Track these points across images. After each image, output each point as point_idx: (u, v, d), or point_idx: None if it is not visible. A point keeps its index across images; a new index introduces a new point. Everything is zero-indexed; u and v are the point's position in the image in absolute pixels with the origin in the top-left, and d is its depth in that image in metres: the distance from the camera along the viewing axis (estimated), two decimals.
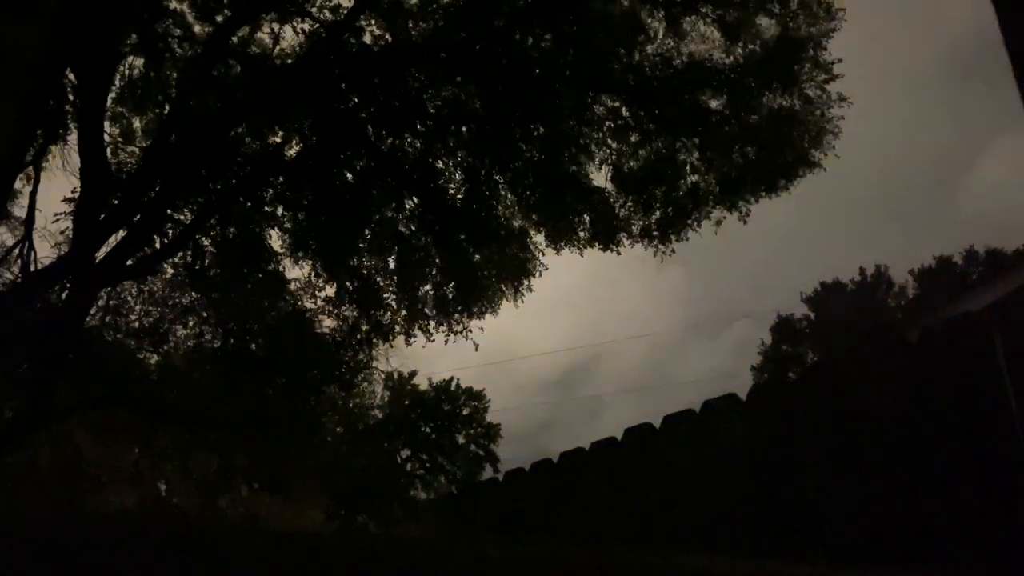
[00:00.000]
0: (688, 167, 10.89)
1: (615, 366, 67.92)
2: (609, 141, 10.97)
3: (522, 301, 11.88)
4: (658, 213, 11.13)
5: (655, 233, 11.18)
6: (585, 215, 11.26)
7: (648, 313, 79.58)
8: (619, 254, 11.41)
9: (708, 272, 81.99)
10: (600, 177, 11.26)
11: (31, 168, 10.38)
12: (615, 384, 69.75)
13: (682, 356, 67.96)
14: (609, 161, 11.07)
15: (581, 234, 11.31)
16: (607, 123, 10.85)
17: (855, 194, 74.75)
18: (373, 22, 10.73)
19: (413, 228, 11.45)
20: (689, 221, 11.06)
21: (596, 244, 11.32)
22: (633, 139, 10.94)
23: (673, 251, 11.32)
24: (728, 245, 76.08)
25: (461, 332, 11.63)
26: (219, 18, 10.45)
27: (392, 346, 11.81)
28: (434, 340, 11.67)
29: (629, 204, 11.20)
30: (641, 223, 11.25)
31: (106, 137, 10.37)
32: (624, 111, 10.77)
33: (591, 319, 78.75)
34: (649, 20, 10.40)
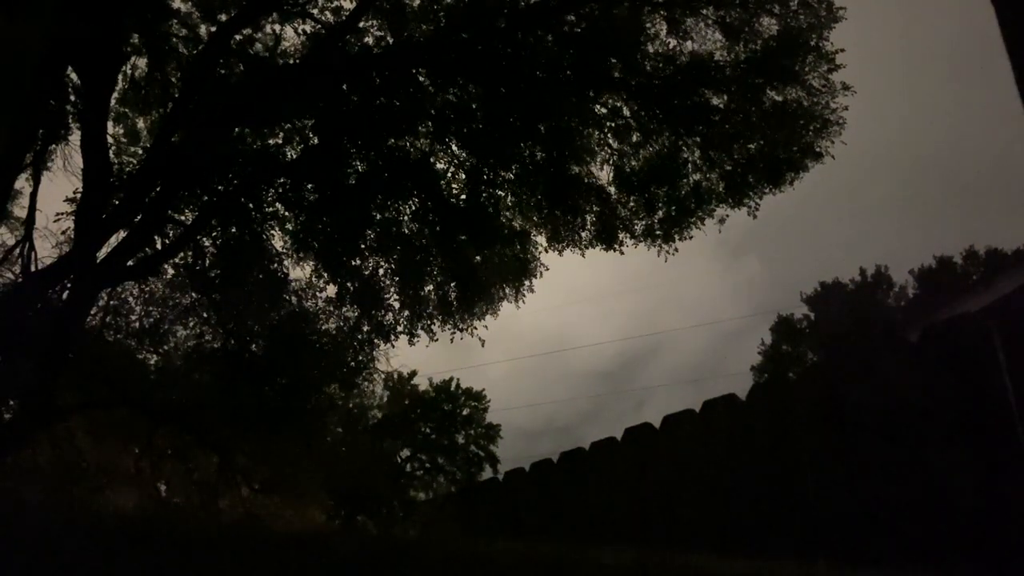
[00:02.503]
0: (691, 165, 10.90)
1: (672, 357, 67.44)
2: (611, 140, 10.99)
3: (523, 301, 11.92)
4: (661, 212, 11.13)
5: (658, 232, 11.19)
6: (587, 215, 11.28)
7: (716, 302, 78.64)
8: (622, 254, 11.44)
9: (782, 261, 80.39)
10: (602, 177, 11.30)
11: (32, 168, 10.41)
12: (671, 374, 69.32)
13: (744, 345, 67.06)
14: (611, 161, 11.09)
15: (583, 234, 11.34)
16: (608, 123, 10.87)
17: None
18: (375, 23, 10.77)
19: (415, 228, 11.47)
20: (692, 219, 11.06)
21: (598, 244, 11.34)
22: (635, 138, 10.96)
23: (676, 250, 11.34)
24: (804, 232, 74.72)
25: (465, 331, 11.67)
26: (223, 17, 10.47)
27: (393, 345, 11.84)
28: (437, 340, 11.70)
29: (631, 204, 11.22)
30: (644, 222, 11.25)
31: (110, 138, 10.41)
32: (625, 110, 10.80)
33: (654, 308, 77.81)
34: (650, 20, 10.42)
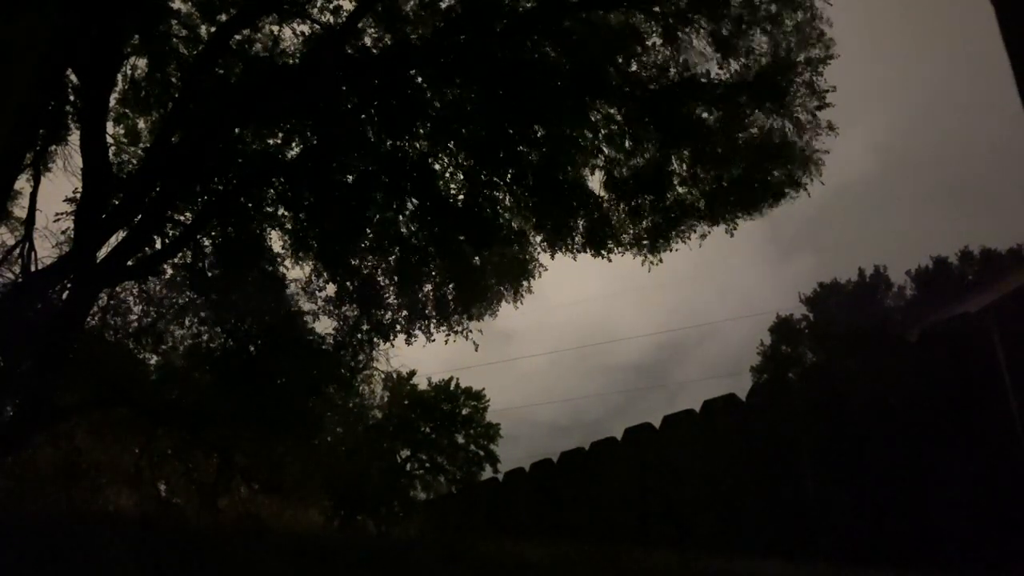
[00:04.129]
0: (677, 178, 10.97)
1: (714, 349, 66.85)
2: (603, 147, 11.01)
3: (521, 302, 11.93)
4: (647, 222, 11.21)
5: (645, 242, 11.25)
6: (580, 220, 11.30)
7: (767, 295, 77.54)
8: (610, 260, 11.48)
9: (844, 257, 79.00)
10: (594, 182, 11.36)
11: (32, 168, 10.40)
12: (711, 367, 68.71)
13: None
14: (603, 167, 11.12)
15: (576, 239, 11.35)
16: (602, 128, 10.89)
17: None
18: (373, 24, 10.76)
19: (413, 229, 11.48)
20: (676, 232, 11.15)
21: (589, 250, 11.36)
22: (627, 145, 10.99)
23: (661, 260, 11.37)
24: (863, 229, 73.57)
25: (461, 332, 11.68)
26: (222, 17, 10.46)
27: (393, 345, 11.85)
28: (435, 340, 11.71)
29: (622, 211, 11.25)
30: (632, 231, 11.31)
31: (110, 138, 10.40)
32: (619, 118, 10.82)
33: (702, 299, 76.75)
34: (645, 29, 10.45)
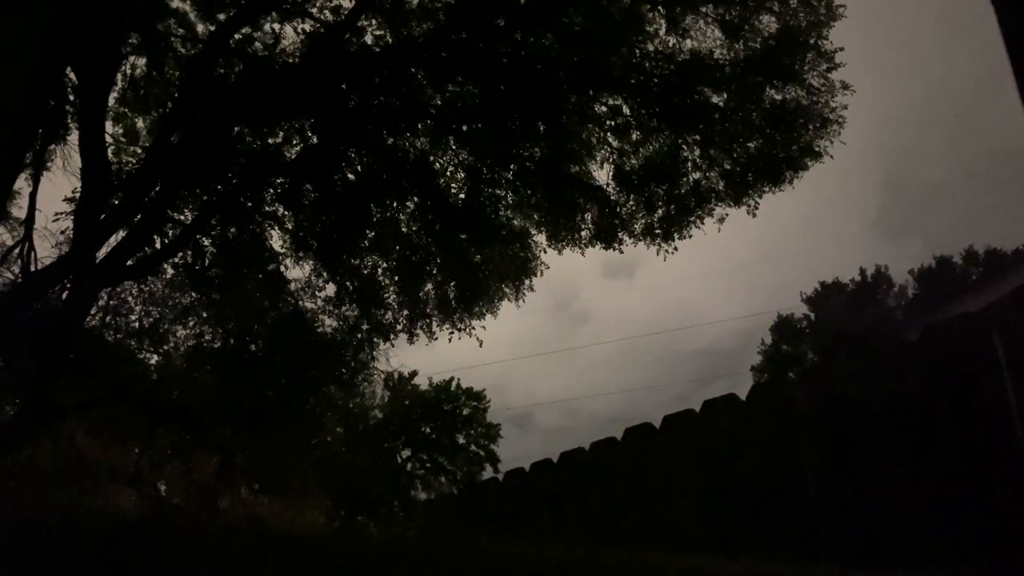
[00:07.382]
0: (690, 164, 10.91)
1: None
2: (610, 139, 11.00)
3: (523, 300, 11.94)
4: (661, 211, 11.15)
5: (658, 231, 11.21)
6: (587, 214, 11.29)
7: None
8: (621, 252, 11.45)
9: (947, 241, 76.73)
10: (602, 175, 11.32)
11: (32, 168, 10.39)
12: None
13: None
14: (611, 159, 11.10)
15: (583, 233, 11.35)
16: (608, 121, 10.87)
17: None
18: (374, 22, 10.76)
19: (414, 228, 11.47)
20: (692, 218, 11.08)
21: (597, 243, 11.35)
22: (635, 137, 10.97)
23: (676, 248, 11.33)
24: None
25: (463, 331, 11.68)
26: (221, 16, 10.46)
27: (393, 345, 11.84)
28: (436, 339, 11.71)
29: (631, 203, 11.22)
30: (644, 221, 11.27)
31: (109, 137, 10.40)
32: (625, 109, 10.79)
33: (788, 282, 74.39)
34: (650, 18, 10.42)
